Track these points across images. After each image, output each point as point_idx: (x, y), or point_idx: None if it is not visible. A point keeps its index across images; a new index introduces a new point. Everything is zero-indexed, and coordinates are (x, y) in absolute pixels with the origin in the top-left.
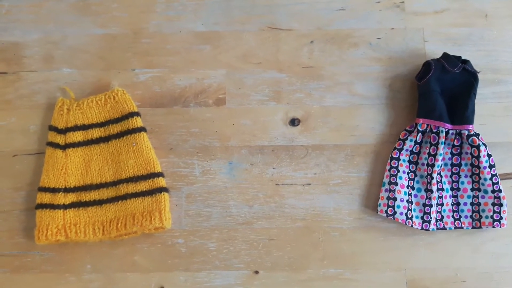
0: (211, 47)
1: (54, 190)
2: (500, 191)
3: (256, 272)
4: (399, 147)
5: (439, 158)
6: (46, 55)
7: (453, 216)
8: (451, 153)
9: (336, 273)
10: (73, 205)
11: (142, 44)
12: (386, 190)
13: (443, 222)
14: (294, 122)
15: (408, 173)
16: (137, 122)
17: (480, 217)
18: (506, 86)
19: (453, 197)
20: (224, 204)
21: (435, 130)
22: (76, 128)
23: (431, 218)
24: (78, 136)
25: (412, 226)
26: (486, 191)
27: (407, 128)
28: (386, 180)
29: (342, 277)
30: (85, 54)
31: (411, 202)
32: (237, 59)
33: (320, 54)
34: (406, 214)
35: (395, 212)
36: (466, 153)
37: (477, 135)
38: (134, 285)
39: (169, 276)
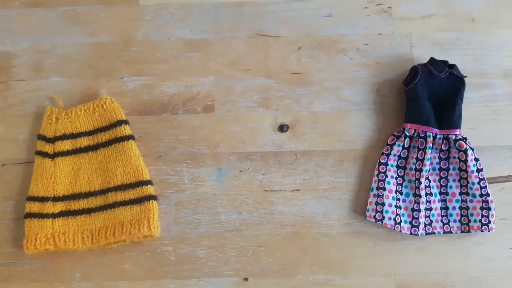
0: (199, 55)
1: (43, 199)
2: (488, 195)
3: (246, 279)
4: (387, 152)
5: (427, 162)
6: (35, 64)
7: (441, 221)
8: (439, 157)
9: (326, 279)
10: (62, 214)
11: (131, 52)
12: (374, 195)
13: (431, 227)
14: (282, 128)
15: (396, 178)
16: (126, 130)
17: (469, 221)
18: (493, 90)
19: (441, 202)
20: (213, 211)
21: (422, 135)
22: (64, 137)
23: (419, 222)
24: (66, 145)
25: (401, 231)
26: (474, 195)
27: (395, 133)
28: (374, 185)
29: (331, 283)
30: (74, 63)
31: (400, 207)
32: (226, 66)
33: (308, 60)
34: (394, 219)
35: (383, 217)
36: (454, 157)
37: (464, 139)
38: None
39: (159, 284)
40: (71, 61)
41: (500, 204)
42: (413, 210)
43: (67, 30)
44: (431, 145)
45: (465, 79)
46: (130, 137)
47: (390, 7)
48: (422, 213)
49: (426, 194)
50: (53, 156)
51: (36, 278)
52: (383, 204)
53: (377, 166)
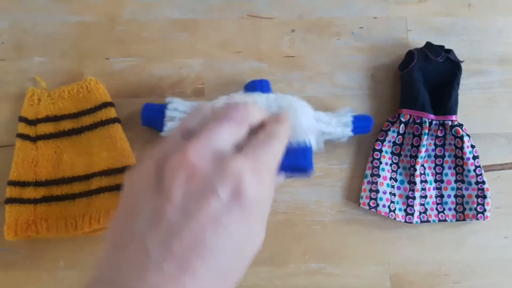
0: (188, 35)
1: (24, 184)
2: (483, 182)
3: None
4: (381, 138)
5: (423, 149)
6: (16, 43)
7: (436, 209)
8: (435, 144)
9: (318, 267)
10: (44, 199)
11: (117, 32)
12: (368, 182)
13: (426, 215)
14: None
15: (391, 165)
16: (111, 113)
17: (464, 209)
18: (489, 76)
19: (436, 189)
20: None
21: (418, 121)
22: (47, 119)
23: (414, 210)
24: (49, 128)
25: (395, 218)
26: (470, 183)
27: (390, 119)
28: (368, 172)
29: (324, 271)
30: (57, 43)
31: (394, 195)
32: (216, 47)
33: (301, 43)
34: (389, 207)
35: (377, 205)
36: (450, 144)
37: (460, 125)
38: None
39: None
40: (54, 41)
41: (495, 193)
42: (407, 197)
43: (50, 8)
44: (426, 131)
45: (461, 65)
46: (115, 120)
47: None
48: (417, 201)
49: (421, 182)
50: (35, 139)
51: (17, 266)
52: (377, 192)
53: (371, 152)
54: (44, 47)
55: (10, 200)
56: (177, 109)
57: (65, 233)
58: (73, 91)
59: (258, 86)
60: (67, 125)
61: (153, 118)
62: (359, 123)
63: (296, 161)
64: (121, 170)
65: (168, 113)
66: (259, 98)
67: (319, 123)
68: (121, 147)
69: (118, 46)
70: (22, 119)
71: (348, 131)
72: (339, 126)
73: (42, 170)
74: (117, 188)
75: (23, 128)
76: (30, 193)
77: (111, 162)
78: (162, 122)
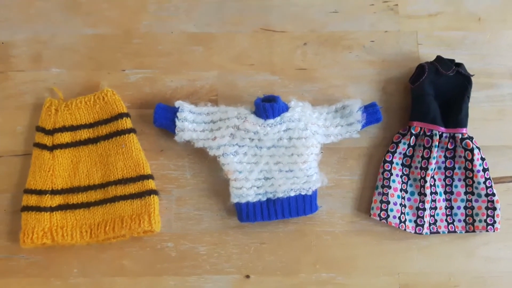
0: (203, 49)
1: (40, 192)
2: (493, 195)
3: (248, 276)
4: (392, 150)
5: (433, 161)
6: (34, 54)
7: (446, 220)
8: (445, 156)
9: (329, 277)
10: (60, 207)
11: (133, 44)
12: (379, 194)
13: (436, 226)
14: None
15: (401, 176)
16: (127, 123)
17: (474, 221)
18: (499, 90)
19: (446, 201)
20: (215, 207)
21: (428, 133)
22: (64, 129)
23: (424, 222)
24: (66, 137)
25: (405, 230)
26: (479, 195)
27: (401, 131)
28: (379, 183)
29: (334, 281)
30: (74, 54)
31: (404, 206)
32: (230, 60)
33: (314, 56)
34: (399, 218)
35: (388, 216)
36: (460, 156)
37: (470, 138)
38: None
39: (158, 281)
40: (71, 52)
41: (505, 205)
42: (418, 209)
43: (67, 21)
44: (437, 143)
45: (471, 78)
46: (131, 130)
47: (397, 4)
48: (427, 212)
49: (431, 193)
50: (52, 148)
51: (33, 273)
52: (388, 203)
53: (382, 164)
54: (61, 59)
55: (27, 208)
56: (186, 119)
57: (80, 240)
58: (90, 102)
59: (269, 111)
60: (83, 134)
61: (165, 119)
62: (367, 118)
63: (304, 212)
64: (136, 179)
65: (178, 124)
66: (270, 129)
67: (328, 136)
68: (136, 157)
69: (134, 58)
70: (40, 129)
71: (357, 128)
72: (346, 125)
73: (58, 178)
74: (131, 197)
75: (40, 138)
76: (46, 201)
77: (127, 171)
78: (174, 124)
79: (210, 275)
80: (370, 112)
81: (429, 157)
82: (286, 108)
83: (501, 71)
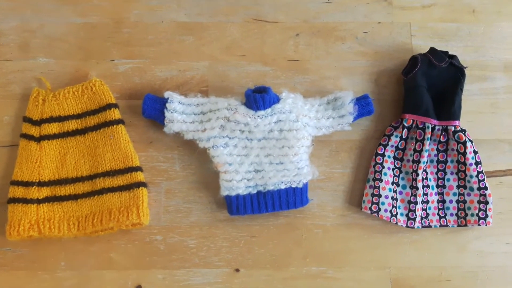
0: (194, 38)
1: (27, 184)
2: (486, 188)
3: (237, 270)
4: (384, 143)
5: (425, 154)
6: (22, 43)
7: (438, 214)
8: (437, 149)
9: (319, 271)
10: (47, 199)
11: (123, 34)
12: (370, 187)
13: (428, 220)
14: None
15: (393, 170)
16: (115, 114)
17: (466, 215)
18: (493, 82)
19: (438, 195)
20: (205, 200)
21: (421, 126)
22: (51, 119)
23: (416, 215)
24: (53, 128)
25: (396, 223)
26: (472, 189)
27: (393, 123)
28: (370, 176)
29: (325, 275)
30: (63, 43)
31: (396, 199)
32: (221, 51)
33: (306, 47)
34: (390, 211)
35: (379, 209)
36: (452, 149)
37: (463, 131)
38: (110, 283)
39: (147, 274)
40: (60, 42)
41: (497, 199)
42: (409, 202)
43: (56, 9)
44: (429, 136)
45: (465, 70)
46: (119, 121)
47: None
48: (419, 206)
49: (423, 187)
50: (39, 139)
51: (19, 266)
52: (379, 196)
53: (374, 157)
54: (49, 48)
55: (13, 200)
56: (176, 111)
57: (67, 233)
58: (78, 92)
59: (259, 102)
60: (71, 125)
61: (154, 110)
62: (359, 111)
63: (294, 205)
64: (124, 171)
65: (167, 115)
66: (261, 121)
67: (319, 128)
68: (124, 148)
69: (123, 48)
70: (27, 119)
71: (349, 120)
72: (338, 117)
73: (45, 170)
74: (120, 189)
75: (27, 128)
76: (33, 193)
77: (115, 163)
78: (163, 115)
79: (199, 268)
80: (362, 104)
81: (421, 150)
82: (277, 100)
83: (494, 63)
